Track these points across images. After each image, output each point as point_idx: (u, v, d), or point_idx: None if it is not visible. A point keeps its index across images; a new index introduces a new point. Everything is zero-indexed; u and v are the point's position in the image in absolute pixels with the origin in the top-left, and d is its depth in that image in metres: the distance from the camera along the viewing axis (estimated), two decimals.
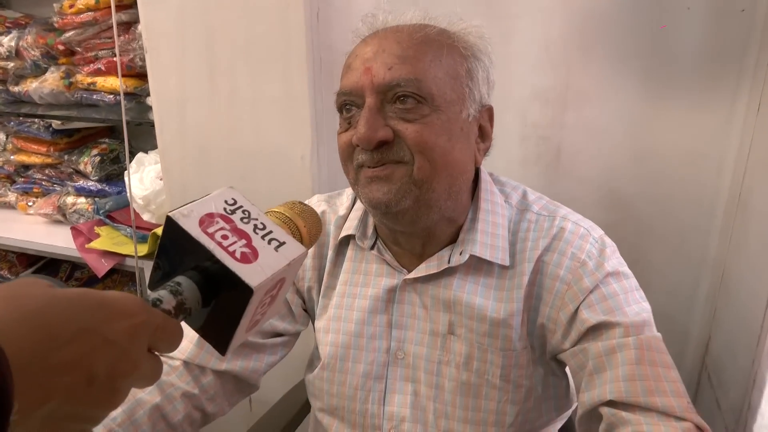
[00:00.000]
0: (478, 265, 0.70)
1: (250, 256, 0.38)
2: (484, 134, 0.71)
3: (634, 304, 0.66)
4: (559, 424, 0.79)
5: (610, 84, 1.15)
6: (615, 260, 0.69)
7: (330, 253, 0.78)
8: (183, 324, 0.79)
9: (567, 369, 0.73)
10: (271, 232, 0.41)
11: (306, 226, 0.48)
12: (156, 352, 0.36)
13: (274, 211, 0.48)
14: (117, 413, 0.66)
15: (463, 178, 0.68)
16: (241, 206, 0.42)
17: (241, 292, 0.37)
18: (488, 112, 0.71)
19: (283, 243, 0.41)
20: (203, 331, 0.42)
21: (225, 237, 0.39)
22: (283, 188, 1.13)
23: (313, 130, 1.08)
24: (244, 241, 0.39)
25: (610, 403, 0.61)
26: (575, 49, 1.15)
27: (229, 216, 0.41)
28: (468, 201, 0.72)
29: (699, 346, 1.22)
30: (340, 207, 0.81)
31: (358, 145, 0.64)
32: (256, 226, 0.41)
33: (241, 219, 0.41)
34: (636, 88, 1.13)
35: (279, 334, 0.81)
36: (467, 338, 0.70)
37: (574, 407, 0.78)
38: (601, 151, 1.20)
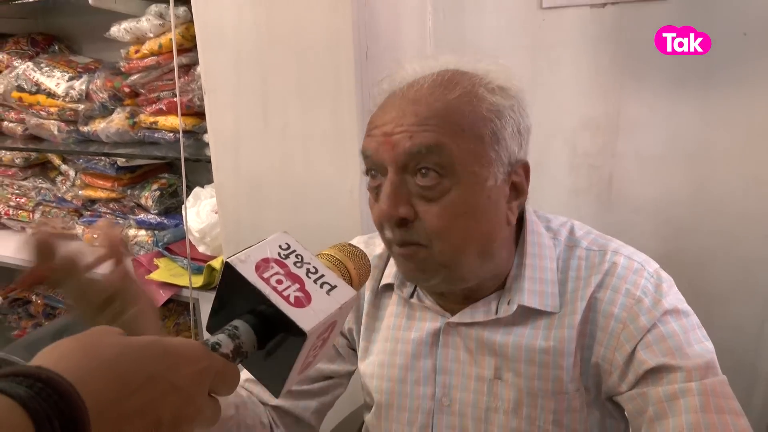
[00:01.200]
0: (526, 314, 0.68)
1: (303, 300, 0.40)
2: (518, 190, 0.67)
3: (696, 345, 0.62)
4: None
5: (663, 110, 1.12)
6: (672, 296, 0.66)
7: (368, 295, 0.78)
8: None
9: (626, 413, 0.69)
10: (323, 276, 0.42)
11: (356, 268, 0.49)
12: (216, 395, 0.38)
13: (325, 254, 0.49)
14: None
15: (495, 243, 0.66)
16: (294, 251, 0.43)
17: (295, 335, 0.39)
18: (523, 167, 0.66)
19: (335, 286, 0.42)
20: (258, 374, 0.43)
21: (279, 281, 0.40)
22: (332, 220, 1.16)
23: (362, 164, 1.10)
24: (297, 285, 0.41)
25: None
26: (626, 76, 1.14)
27: (283, 260, 0.42)
28: (511, 252, 0.70)
29: None
30: (378, 247, 0.80)
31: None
32: (308, 270, 0.42)
33: (295, 263, 0.42)
34: (692, 113, 1.10)
35: (328, 377, 0.82)
36: (515, 383, 0.68)
37: None
38: (655, 179, 1.16)
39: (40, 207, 1.88)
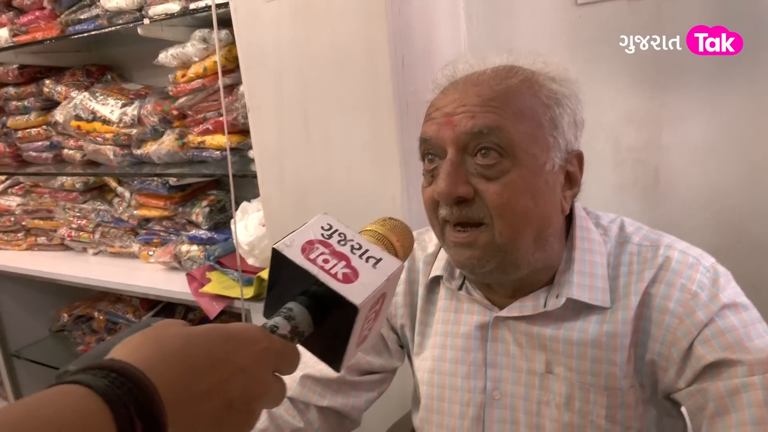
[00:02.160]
0: (576, 308, 0.67)
1: (351, 276, 0.41)
2: (572, 180, 0.68)
3: (757, 339, 0.60)
4: None
5: (709, 99, 1.09)
6: (731, 290, 0.64)
7: (421, 290, 0.79)
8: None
9: (683, 409, 0.68)
10: (367, 250, 0.43)
11: (399, 241, 0.49)
12: (279, 375, 0.39)
13: (368, 230, 0.49)
14: None
15: (550, 230, 0.66)
16: (336, 230, 0.44)
17: (348, 310, 0.40)
18: (577, 157, 0.68)
19: (380, 259, 0.43)
20: (318, 352, 0.45)
21: (326, 261, 0.42)
22: None
23: (402, 171, 1.12)
24: (343, 263, 0.42)
25: None
26: (667, 67, 1.11)
27: (327, 240, 0.43)
28: (562, 245, 0.70)
29: None
30: (429, 243, 0.82)
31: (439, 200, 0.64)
32: (353, 246, 0.43)
33: (338, 242, 0.43)
34: (740, 99, 1.06)
35: (376, 372, 0.83)
36: (566, 377, 0.67)
37: None
38: (704, 170, 1.13)
39: (100, 228, 1.99)
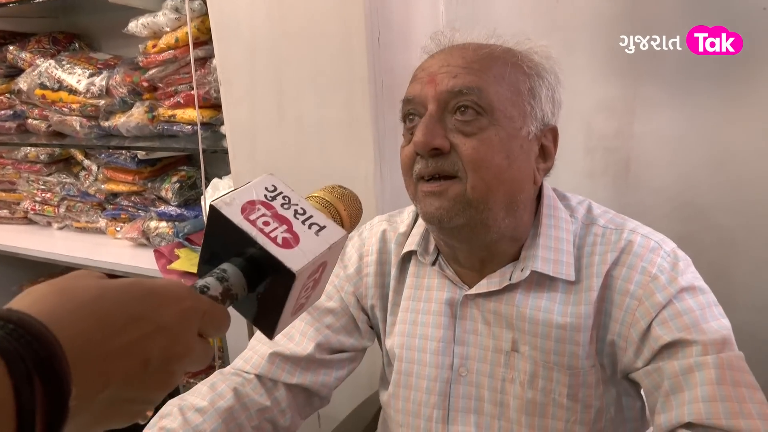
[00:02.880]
0: (540, 281, 0.69)
1: (291, 241, 0.39)
2: (546, 154, 0.70)
3: (713, 321, 0.62)
4: None
5: (681, 90, 1.11)
6: (689, 275, 0.66)
7: (393, 271, 0.80)
8: (257, 340, 0.82)
9: (642, 390, 0.70)
10: (311, 216, 0.41)
11: (346, 210, 0.48)
12: (206, 337, 0.37)
13: (315, 196, 0.48)
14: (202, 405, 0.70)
15: (522, 196, 0.67)
16: (281, 192, 0.42)
17: (284, 276, 0.38)
18: (552, 132, 0.70)
19: (324, 227, 0.41)
20: (251, 317, 0.43)
21: (266, 223, 0.39)
22: None
23: (376, 151, 1.11)
24: (285, 227, 0.40)
25: (689, 426, 0.58)
26: (642, 57, 1.12)
27: (270, 202, 0.41)
28: (530, 219, 0.71)
29: None
30: (401, 224, 0.82)
31: (416, 152, 0.65)
32: (296, 211, 0.41)
33: (282, 205, 0.41)
34: (710, 91, 1.08)
35: (346, 350, 0.83)
36: (531, 355, 0.69)
37: (650, 431, 0.74)
38: (673, 159, 1.15)
39: (65, 202, 1.93)
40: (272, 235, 0.39)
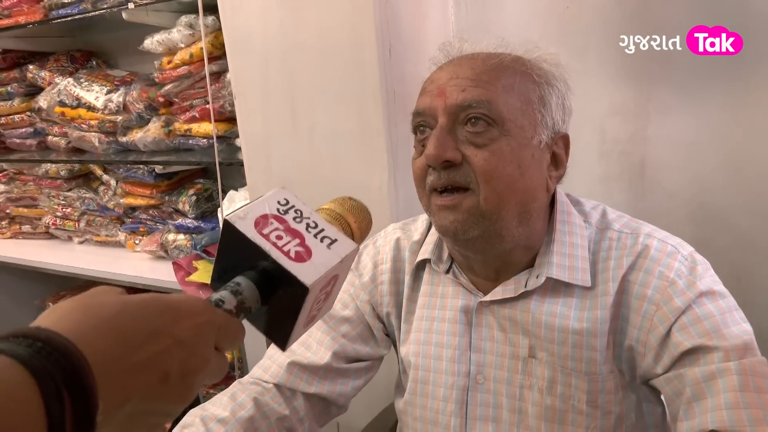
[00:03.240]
0: (556, 288, 0.69)
1: (304, 255, 0.40)
2: (557, 161, 0.70)
3: (734, 326, 0.61)
4: None
5: (694, 93, 1.10)
6: (708, 279, 0.65)
7: (407, 279, 0.80)
8: (275, 349, 0.82)
9: (662, 396, 0.69)
10: (323, 230, 0.42)
11: (356, 222, 0.49)
12: (222, 350, 0.38)
13: (325, 209, 0.49)
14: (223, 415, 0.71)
15: (535, 205, 0.67)
16: (293, 206, 0.43)
17: (297, 289, 0.39)
18: (563, 139, 0.70)
19: (335, 240, 0.42)
20: (264, 329, 0.43)
21: (279, 237, 0.40)
22: None
23: (389, 160, 1.12)
24: (297, 240, 0.40)
25: None
26: (655, 60, 1.11)
27: (282, 216, 0.42)
28: (544, 227, 0.71)
29: None
30: (415, 233, 0.82)
31: (428, 165, 0.65)
32: (308, 224, 0.42)
33: (294, 219, 0.42)
34: (723, 95, 1.07)
35: (363, 359, 0.84)
36: (549, 362, 0.68)
37: None
38: (689, 163, 1.14)
39: (85, 216, 1.97)
40: (285, 249, 0.40)
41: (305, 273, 0.39)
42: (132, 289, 1.95)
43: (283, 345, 0.43)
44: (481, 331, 0.73)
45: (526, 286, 0.69)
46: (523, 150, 0.65)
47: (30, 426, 0.25)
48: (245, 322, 0.41)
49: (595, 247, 0.70)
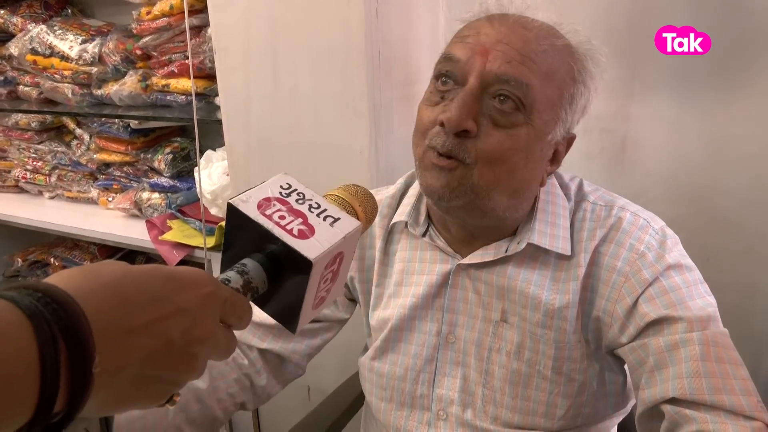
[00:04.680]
0: (534, 254, 0.69)
1: (306, 233, 0.40)
2: (556, 158, 0.69)
3: (698, 298, 0.63)
4: (616, 420, 0.76)
5: (680, 72, 1.10)
6: (677, 252, 0.66)
7: (379, 243, 0.79)
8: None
9: (625, 366, 0.70)
10: (325, 210, 0.43)
11: (361, 206, 0.49)
12: (229, 325, 0.38)
13: (330, 194, 0.49)
14: None
15: (526, 195, 0.67)
16: (295, 189, 0.44)
17: (302, 266, 0.39)
18: (570, 141, 0.69)
19: (338, 219, 0.43)
20: (273, 313, 0.44)
21: (282, 217, 0.41)
22: (342, 181, 1.15)
23: (371, 124, 1.10)
24: (300, 220, 0.41)
25: (673, 401, 0.59)
26: (642, 37, 1.11)
27: (285, 198, 0.43)
28: (528, 208, 0.71)
29: None
30: (390, 188, 0.81)
31: (442, 124, 0.61)
32: (311, 206, 0.43)
33: (297, 200, 0.43)
34: (708, 76, 1.08)
35: (319, 320, 0.84)
36: (520, 327, 0.69)
37: (631, 404, 0.75)
38: (669, 143, 1.14)
39: (57, 170, 1.91)
40: (288, 227, 0.40)
41: (308, 248, 0.39)
42: (103, 246, 1.92)
43: (293, 328, 0.44)
44: (455, 293, 0.73)
45: (506, 252, 0.69)
46: (537, 143, 0.63)
47: (23, 366, 0.25)
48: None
49: (571, 217, 0.70)
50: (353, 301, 0.86)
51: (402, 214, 0.76)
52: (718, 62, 1.06)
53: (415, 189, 0.78)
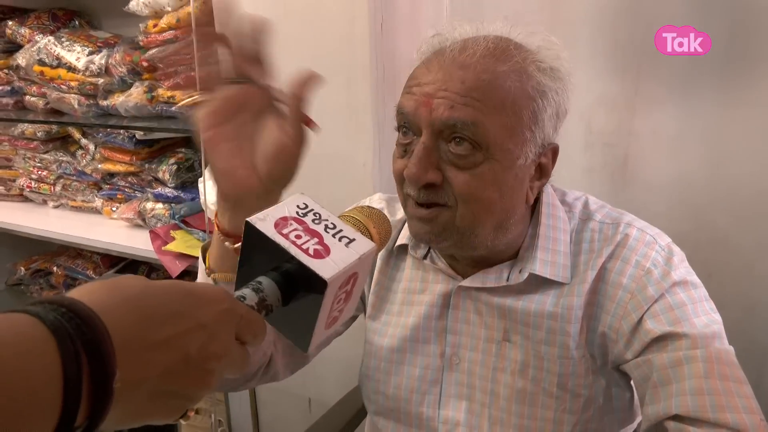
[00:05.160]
0: (536, 282, 0.69)
1: (322, 252, 0.41)
2: (542, 171, 0.68)
3: (703, 315, 0.63)
4: None
5: (682, 89, 1.11)
6: (683, 269, 0.66)
7: (382, 252, 0.80)
8: None
9: (632, 382, 0.70)
10: (341, 230, 0.44)
11: (376, 228, 0.50)
12: (244, 342, 0.39)
13: (345, 215, 0.50)
14: None
15: (512, 219, 0.67)
16: (312, 209, 0.45)
17: (317, 286, 0.40)
18: (552, 151, 0.68)
19: (353, 239, 0.44)
20: (286, 330, 0.45)
21: (298, 237, 0.42)
22: (345, 194, 1.17)
23: (375, 137, 1.11)
24: (316, 240, 0.42)
25: (677, 418, 0.59)
26: (645, 54, 1.12)
27: (302, 218, 0.44)
28: (526, 225, 0.71)
29: None
30: (398, 211, 0.82)
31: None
32: (327, 226, 0.44)
33: (313, 221, 0.44)
34: (710, 92, 1.08)
35: None
36: (523, 345, 0.69)
37: (638, 421, 0.75)
38: (671, 158, 1.15)
39: (61, 180, 1.92)
40: (304, 246, 0.41)
41: (324, 268, 0.40)
42: (106, 256, 1.92)
43: (305, 346, 0.44)
44: (457, 314, 0.74)
45: (508, 280, 0.69)
46: (507, 172, 0.62)
47: (47, 381, 0.26)
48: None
49: (577, 237, 0.71)
50: (362, 301, 0.86)
51: (404, 237, 0.78)
52: (719, 78, 1.07)
53: None
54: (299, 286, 0.42)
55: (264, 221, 0.42)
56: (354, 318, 0.87)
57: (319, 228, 0.43)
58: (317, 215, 0.44)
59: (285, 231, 0.42)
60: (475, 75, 0.60)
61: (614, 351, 0.67)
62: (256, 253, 0.43)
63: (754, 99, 1.05)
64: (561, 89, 0.65)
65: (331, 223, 0.44)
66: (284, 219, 0.43)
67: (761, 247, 1.10)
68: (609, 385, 0.70)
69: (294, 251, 0.40)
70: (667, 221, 1.16)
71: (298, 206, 0.45)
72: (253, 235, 0.42)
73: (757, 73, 1.04)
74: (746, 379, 0.60)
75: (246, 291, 0.40)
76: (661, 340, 0.62)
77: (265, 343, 0.75)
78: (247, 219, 0.42)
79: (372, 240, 0.49)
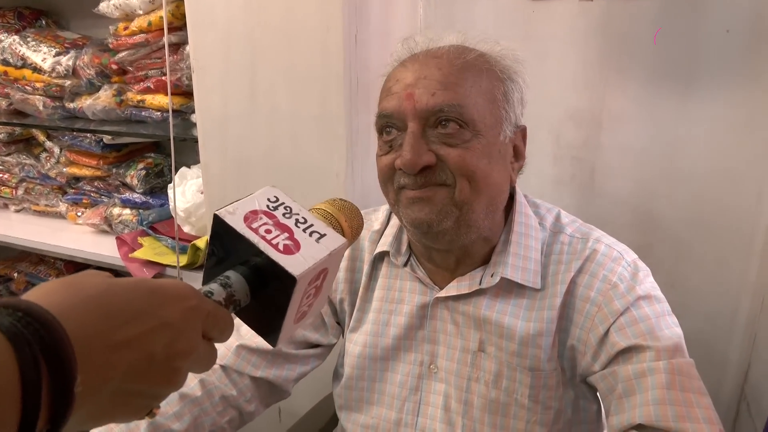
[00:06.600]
0: (508, 287, 0.71)
1: (292, 248, 0.40)
2: (517, 154, 0.72)
3: (666, 329, 0.65)
4: None
5: (646, 105, 1.14)
6: (648, 284, 0.69)
7: (365, 268, 0.81)
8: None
9: (598, 393, 0.72)
10: (312, 225, 0.43)
11: (347, 221, 0.49)
12: (210, 339, 0.38)
13: (317, 208, 0.49)
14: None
15: (500, 198, 0.70)
16: (283, 203, 0.44)
17: (286, 282, 0.39)
18: (522, 132, 0.73)
19: (324, 235, 0.43)
20: (255, 325, 0.44)
21: (268, 231, 0.41)
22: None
23: (348, 148, 1.11)
24: (286, 235, 0.41)
25: (640, 427, 0.61)
26: (612, 70, 1.15)
27: (272, 212, 0.43)
28: (502, 220, 0.73)
29: (738, 374, 1.18)
30: (375, 222, 0.83)
31: (401, 168, 0.65)
32: (297, 220, 0.43)
33: (283, 214, 0.43)
34: (673, 109, 1.12)
35: (312, 346, 0.84)
36: (497, 356, 0.71)
37: None
38: (636, 172, 1.18)
39: (24, 183, 1.86)
40: (274, 242, 0.40)
41: (293, 264, 0.39)
42: (70, 262, 1.87)
43: (273, 341, 0.43)
44: (435, 324, 0.75)
45: (480, 284, 0.71)
46: (492, 147, 0.66)
47: (4, 388, 0.25)
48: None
49: (547, 249, 0.72)
50: (340, 324, 0.86)
51: (384, 244, 0.78)
52: (683, 94, 1.11)
53: (396, 219, 0.79)
54: (268, 281, 0.41)
55: (233, 215, 0.41)
56: (330, 347, 0.87)
57: (290, 222, 0.42)
58: (288, 209, 0.44)
59: (255, 225, 0.41)
60: (449, 61, 0.66)
61: (582, 363, 0.68)
62: (224, 246, 0.42)
63: (716, 115, 1.09)
64: (522, 80, 0.71)
65: (302, 217, 0.43)
66: (254, 212, 0.42)
67: (721, 258, 1.14)
68: (577, 397, 0.72)
69: (263, 246, 0.39)
70: (633, 233, 1.20)
71: (269, 199, 0.44)
72: (221, 229, 0.41)
73: (718, 89, 1.08)
74: (706, 391, 0.62)
75: (214, 286, 0.39)
76: (627, 352, 0.64)
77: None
78: (216, 212, 0.41)
79: (343, 233, 0.48)
